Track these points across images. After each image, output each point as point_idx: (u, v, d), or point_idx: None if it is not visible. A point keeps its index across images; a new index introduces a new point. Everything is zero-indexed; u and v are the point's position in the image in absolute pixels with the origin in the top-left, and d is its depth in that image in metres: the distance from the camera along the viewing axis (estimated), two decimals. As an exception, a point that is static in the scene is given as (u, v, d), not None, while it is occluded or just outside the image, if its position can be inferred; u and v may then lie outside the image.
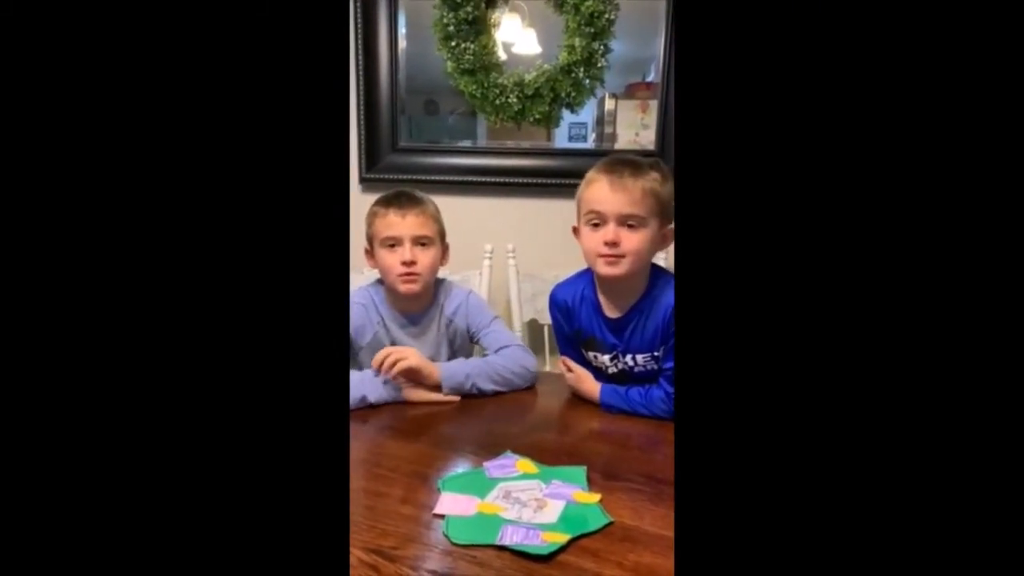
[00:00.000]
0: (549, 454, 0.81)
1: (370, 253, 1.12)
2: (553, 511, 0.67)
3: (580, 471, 0.76)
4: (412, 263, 1.05)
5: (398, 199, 1.09)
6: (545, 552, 0.59)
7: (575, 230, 1.02)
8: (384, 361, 0.98)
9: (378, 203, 1.10)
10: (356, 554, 0.58)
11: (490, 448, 0.83)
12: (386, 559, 0.58)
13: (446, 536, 0.62)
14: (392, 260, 1.06)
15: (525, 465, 0.78)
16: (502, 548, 0.60)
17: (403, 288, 1.07)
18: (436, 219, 1.11)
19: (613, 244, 0.94)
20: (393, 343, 1.11)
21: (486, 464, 0.78)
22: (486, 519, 0.65)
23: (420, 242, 1.07)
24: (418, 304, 1.13)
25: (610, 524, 0.65)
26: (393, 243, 1.07)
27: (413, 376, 1.00)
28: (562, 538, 0.61)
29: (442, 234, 1.13)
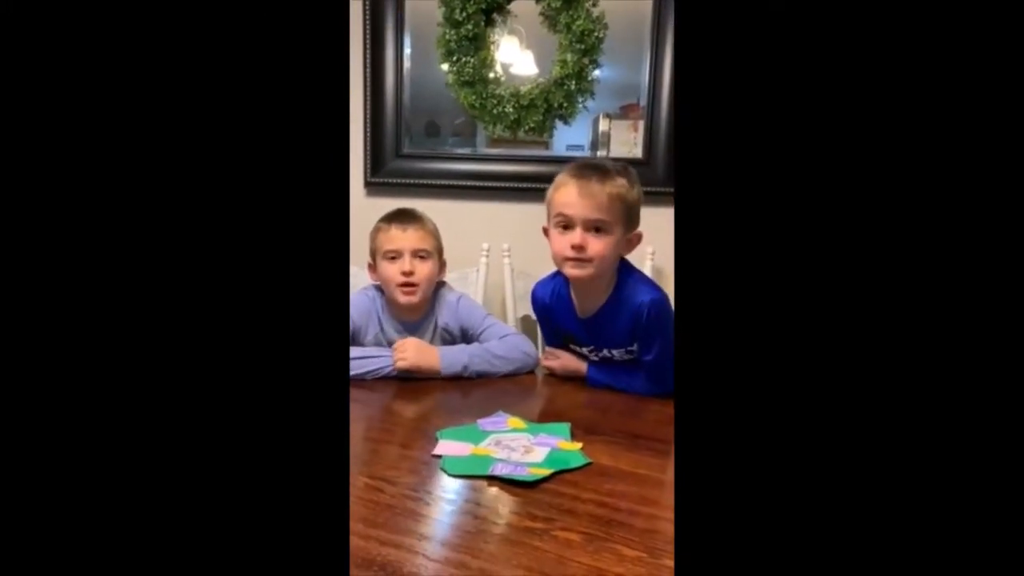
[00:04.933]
0: (538, 416, 0.89)
1: (373, 267, 1.21)
2: (539, 454, 0.74)
3: (565, 426, 0.84)
4: (411, 273, 1.14)
5: (400, 216, 1.19)
6: (531, 480, 0.67)
7: (545, 231, 1.04)
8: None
9: (381, 220, 1.20)
10: (362, 479, 0.66)
11: (485, 413, 0.90)
12: (389, 483, 0.66)
13: (443, 470, 0.70)
14: (393, 271, 1.15)
15: (515, 422, 0.85)
16: (493, 478, 0.68)
17: (403, 299, 1.15)
18: (434, 235, 1.21)
19: (580, 248, 0.96)
20: (390, 346, 1.18)
21: (480, 421, 0.86)
22: (479, 458, 0.73)
23: (419, 255, 1.16)
24: (415, 314, 1.20)
25: (589, 464, 0.72)
26: (394, 255, 1.16)
27: (412, 373, 1.07)
28: (546, 472, 0.69)
29: (439, 249, 1.21)
